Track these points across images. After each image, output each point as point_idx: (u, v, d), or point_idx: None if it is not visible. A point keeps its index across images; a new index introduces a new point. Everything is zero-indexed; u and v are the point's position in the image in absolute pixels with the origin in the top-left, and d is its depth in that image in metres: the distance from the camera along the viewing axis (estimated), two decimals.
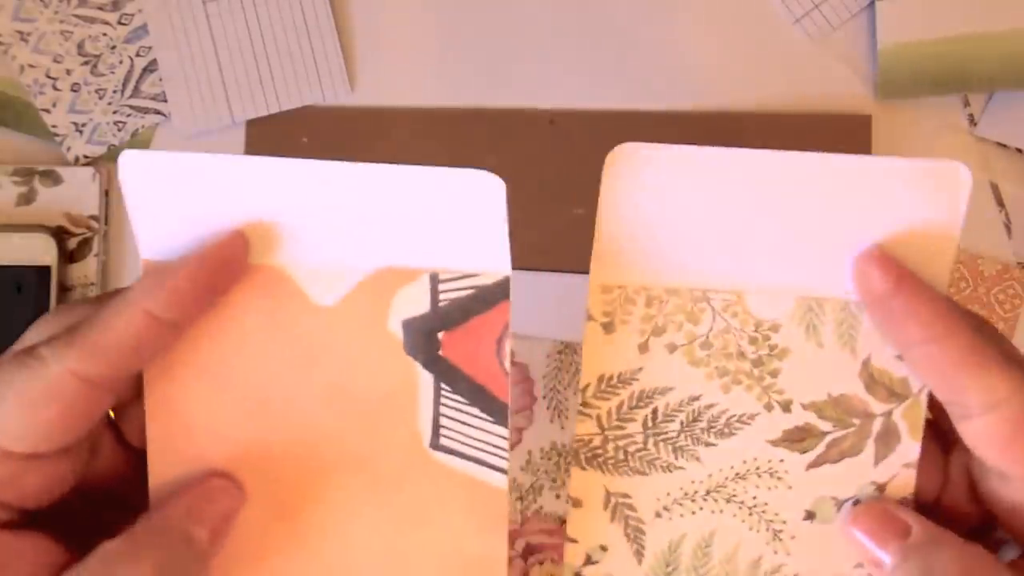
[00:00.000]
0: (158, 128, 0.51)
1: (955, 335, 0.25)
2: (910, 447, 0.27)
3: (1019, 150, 0.51)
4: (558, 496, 0.49)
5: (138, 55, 0.51)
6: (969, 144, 0.52)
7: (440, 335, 0.26)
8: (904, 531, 0.26)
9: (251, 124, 0.51)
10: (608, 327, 0.27)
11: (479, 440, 0.27)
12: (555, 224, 0.50)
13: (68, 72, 0.51)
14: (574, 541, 0.28)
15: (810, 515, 0.28)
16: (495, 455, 0.26)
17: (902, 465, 0.27)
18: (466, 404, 0.26)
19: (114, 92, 0.51)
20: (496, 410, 0.26)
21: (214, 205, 0.25)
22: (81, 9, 0.51)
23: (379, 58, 0.52)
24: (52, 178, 0.49)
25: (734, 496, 0.28)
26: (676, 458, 0.28)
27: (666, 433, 0.28)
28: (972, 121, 0.52)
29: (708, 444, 0.28)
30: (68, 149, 0.50)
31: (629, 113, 0.51)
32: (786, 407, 0.28)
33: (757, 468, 0.28)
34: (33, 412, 0.22)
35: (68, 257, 0.49)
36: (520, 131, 0.51)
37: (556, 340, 0.50)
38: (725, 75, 0.52)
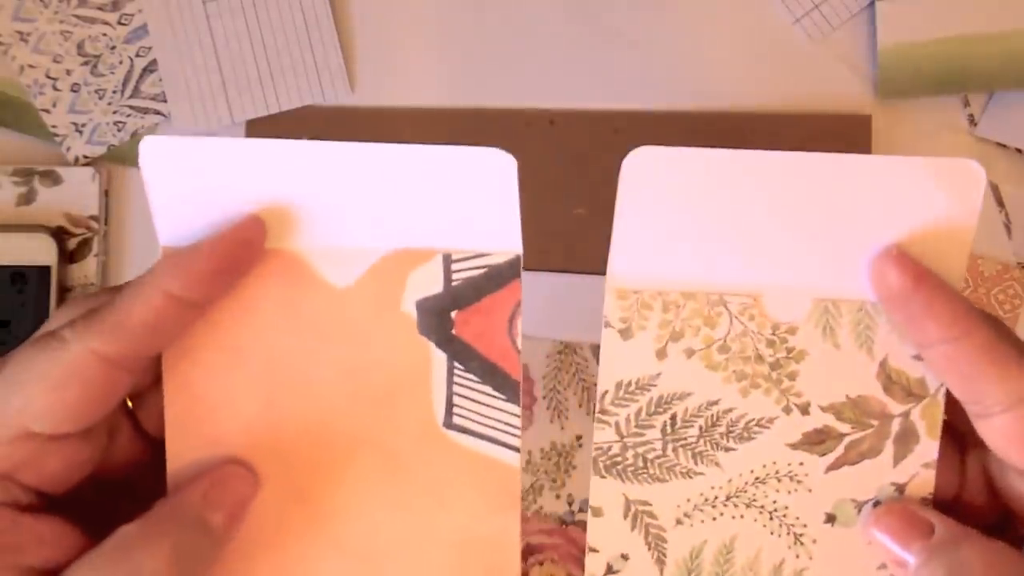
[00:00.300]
0: (158, 128, 0.51)
1: (973, 334, 0.25)
2: (929, 447, 0.27)
3: (1019, 150, 0.51)
4: (558, 496, 0.49)
5: (138, 55, 0.51)
6: (969, 144, 0.52)
7: (453, 314, 0.26)
8: (927, 530, 0.26)
9: (251, 124, 0.51)
10: (625, 333, 0.27)
11: (492, 418, 0.27)
12: (555, 224, 0.50)
13: (68, 72, 0.51)
14: (595, 551, 0.28)
15: (831, 518, 0.28)
16: (508, 433, 0.27)
17: (921, 465, 0.28)
18: (479, 383, 0.27)
19: (114, 92, 0.51)
20: (508, 388, 0.27)
21: (232, 189, 0.25)
22: (81, 9, 0.51)
23: (379, 58, 0.52)
24: (52, 178, 0.49)
25: (754, 501, 0.28)
26: (696, 464, 0.28)
27: (685, 439, 0.28)
28: (972, 121, 0.52)
29: (727, 449, 0.28)
30: (68, 149, 0.50)
31: (629, 113, 0.51)
32: (804, 410, 0.28)
33: (777, 472, 0.28)
34: (55, 392, 0.23)
35: (68, 257, 0.49)
36: (520, 131, 0.51)
37: (556, 340, 0.50)
38: (725, 75, 0.52)
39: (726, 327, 0.28)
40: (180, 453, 0.26)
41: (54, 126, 0.50)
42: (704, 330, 0.28)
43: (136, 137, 0.51)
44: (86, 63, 0.51)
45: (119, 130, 0.51)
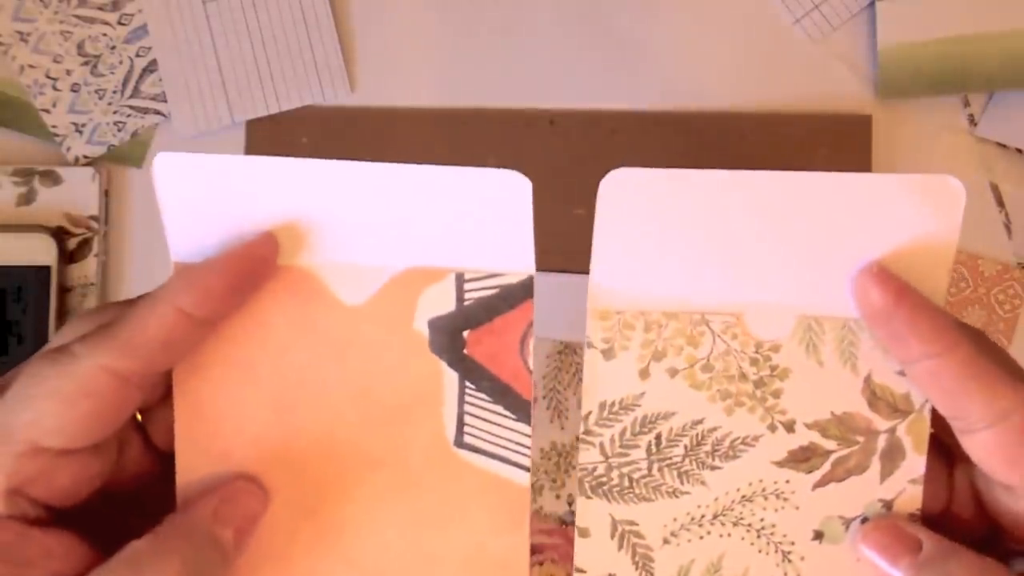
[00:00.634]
0: (158, 128, 0.51)
1: (956, 350, 0.25)
2: (915, 462, 0.27)
3: (1019, 150, 0.51)
4: (558, 496, 0.49)
5: (138, 55, 0.51)
6: (969, 144, 0.52)
7: (465, 334, 0.27)
8: (915, 546, 0.26)
9: (251, 124, 0.51)
10: (608, 353, 0.27)
11: (503, 438, 0.27)
12: (556, 224, 0.50)
13: (68, 72, 0.51)
14: (582, 572, 0.28)
15: (818, 535, 0.28)
16: (518, 452, 0.27)
17: (908, 481, 0.28)
18: (490, 402, 0.27)
19: (114, 92, 0.51)
20: (519, 408, 0.27)
21: (245, 206, 0.25)
22: (81, 9, 0.51)
23: (379, 58, 0.52)
24: (52, 178, 0.49)
25: (741, 519, 0.28)
26: (682, 483, 0.28)
27: (670, 458, 0.28)
28: (972, 121, 0.52)
29: (713, 468, 0.28)
30: (68, 149, 0.50)
31: (629, 113, 0.51)
32: (789, 427, 0.28)
33: (763, 490, 0.28)
34: (66, 408, 0.23)
35: (68, 257, 0.49)
36: (520, 131, 0.51)
37: (556, 340, 0.50)
38: (725, 75, 0.52)
39: (709, 346, 0.28)
40: (190, 468, 0.26)
41: (54, 126, 0.50)
42: (687, 349, 0.28)
43: (136, 137, 0.51)
44: (86, 63, 0.51)
45: (119, 130, 0.51)
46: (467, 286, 0.27)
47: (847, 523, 0.28)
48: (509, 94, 0.51)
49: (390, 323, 0.26)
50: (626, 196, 0.28)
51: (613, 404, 0.28)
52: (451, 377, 0.27)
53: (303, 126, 0.51)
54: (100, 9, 0.51)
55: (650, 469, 0.28)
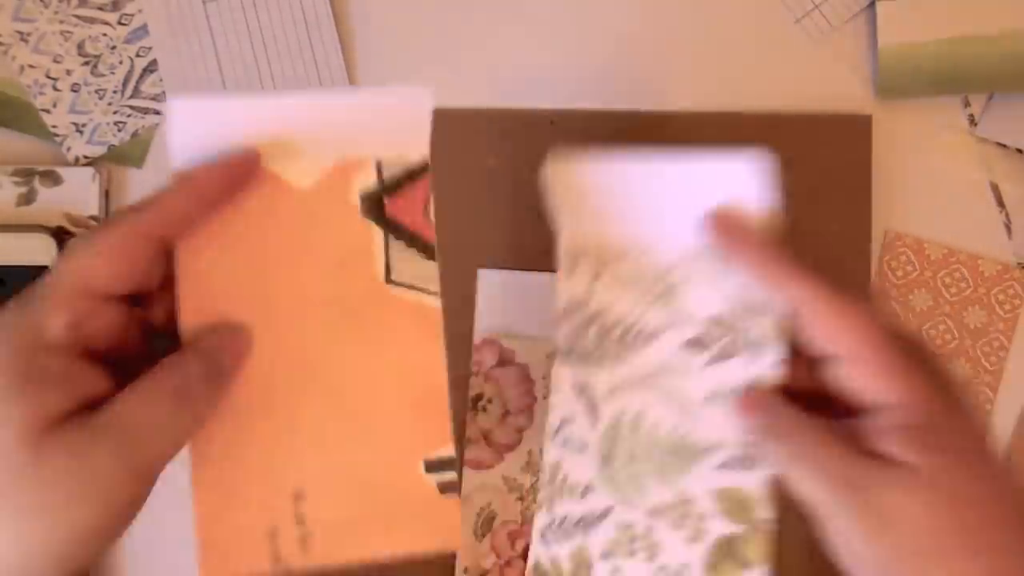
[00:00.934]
0: (158, 128, 0.51)
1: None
2: (777, 350, 0.37)
3: (1019, 150, 0.51)
4: None
5: (138, 55, 0.51)
6: (969, 144, 0.52)
7: (385, 200, 0.36)
8: (766, 403, 0.36)
9: None
10: (570, 271, 0.39)
11: (419, 274, 0.36)
12: None
13: (68, 72, 0.51)
14: (554, 409, 0.39)
15: (708, 398, 0.38)
16: (429, 282, 0.36)
17: (771, 364, 0.37)
18: (405, 247, 0.36)
19: (114, 92, 0.51)
20: (428, 250, 0.36)
21: (237, 135, 0.34)
22: (81, 9, 0.51)
23: (379, 58, 0.52)
24: (52, 178, 0.49)
25: (656, 386, 0.38)
26: (617, 357, 0.39)
27: (610, 340, 0.39)
28: (972, 121, 0.52)
29: (637, 349, 0.38)
30: (68, 149, 0.50)
31: (629, 113, 0.51)
32: (687, 322, 0.38)
33: (670, 366, 0.38)
34: (112, 260, 0.30)
35: None
36: (520, 131, 0.51)
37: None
38: (725, 75, 0.52)
39: (633, 264, 0.39)
40: (190, 321, 0.33)
41: (54, 126, 0.50)
42: (619, 265, 0.39)
43: (136, 137, 0.51)
44: (86, 63, 0.51)
45: (119, 130, 0.51)
46: (384, 168, 0.36)
47: (728, 391, 0.38)
48: (509, 94, 0.52)
49: (331, 199, 0.35)
50: (571, 177, 0.39)
51: (574, 301, 0.39)
52: (378, 233, 0.35)
53: None
54: (100, 9, 0.51)
55: (598, 346, 0.39)
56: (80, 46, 0.51)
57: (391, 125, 0.35)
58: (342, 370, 0.35)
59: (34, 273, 0.47)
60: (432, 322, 0.35)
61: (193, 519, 0.33)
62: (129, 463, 0.28)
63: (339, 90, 0.36)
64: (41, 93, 0.50)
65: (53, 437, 0.28)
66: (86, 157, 0.50)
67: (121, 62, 0.51)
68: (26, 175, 0.49)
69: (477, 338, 0.49)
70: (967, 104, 0.52)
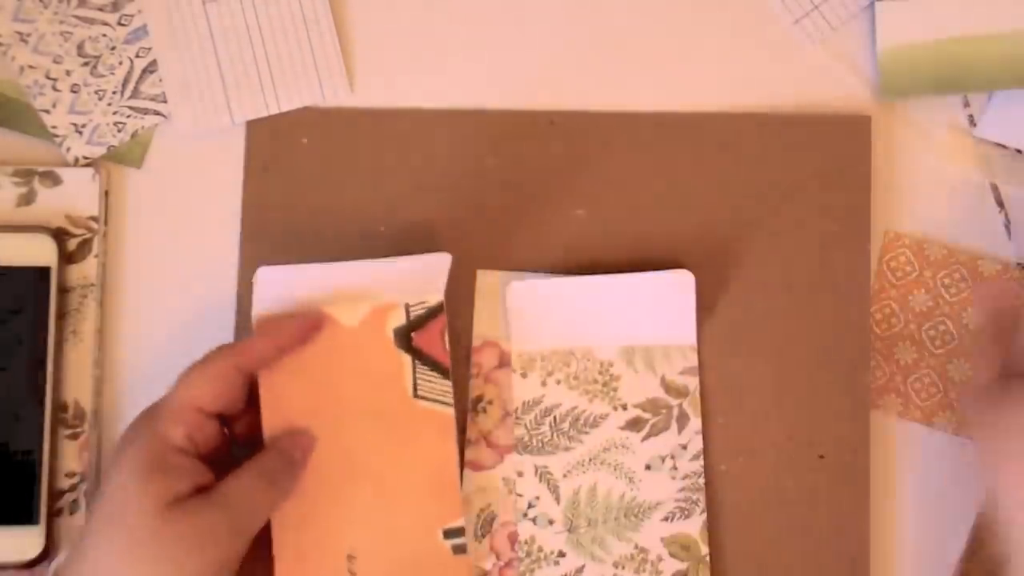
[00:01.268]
0: (158, 129, 0.51)
1: None
2: (696, 422, 0.48)
3: (1019, 150, 0.51)
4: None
5: (138, 56, 0.51)
6: (969, 144, 0.52)
7: (412, 335, 0.47)
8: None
9: (251, 125, 0.51)
10: (523, 375, 0.48)
11: (436, 389, 0.47)
12: (556, 225, 0.50)
13: (68, 73, 0.51)
14: (520, 495, 0.48)
15: (648, 467, 0.48)
16: (445, 396, 0.47)
17: (694, 432, 0.48)
18: (428, 370, 0.47)
19: (114, 93, 0.51)
20: (444, 371, 0.47)
21: (303, 292, 0.45)
22: (81, 10, 0.51)
23: (379, 58, 0.52)
24: (52, 179, 0.49)
25: (605, 461, 0.48)
26: (570, 443, 0.48)
27: (562, 429, 0.48)
28: (972, 121, 0.52)
29: (586, 433, 0.48)
30: (68, 150, 0.50)
31: (629, 114, 0.51)
32: (624, 407, 0.48)
33: (615, 444, 0.48)
34: (213, 386, 0.41)
35: (68, 258, 0.49)
36: (520, 132, 0.51)
37: None
38: (725, 75, 0.52)
39: (576, 366, 0.48)
40: (270, 427, 0.44)
41: (54, 127, 0.50)
42: (565, 368, 0.48)
43: (136, 137, 0.51)
44: (86, 64, 0.51)
45: (119, 131, 0.51)
46: (411, 310, 0.47)
47: (663, 459, 0.48)
48: (509, 94, 0.51)
49: (371, 334, 0.46)
50: (523, 294, 0.48)
51: (529, 402, 0.48)
52: (407, 359, 0.47)
53: (303, 126, 0.51)
54: (100, 10, 0.51)
55: (552, 436, 0.48)
56: (80, 47, 0.51)
57: (417, 279, 0.46)
58: (380, 462, 0.45)
59: (34, 273, 0.48)
60: (448, 426, 0.46)
61: (275, 570, 0.43)
62: (233, 529, 0.39)
63: (380, 260, 0.45)
64: (41, 94, 0.50)
65: (179, 509, 0.38)
66: (86, 158, 0.50)
67: (121, 63, 0.51)
68: (26, 175, 0.49)
69: (477, 340, 0.49)
70: (967, 104, 0.52)
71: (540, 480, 0.48)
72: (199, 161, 0.51)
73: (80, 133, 0.50)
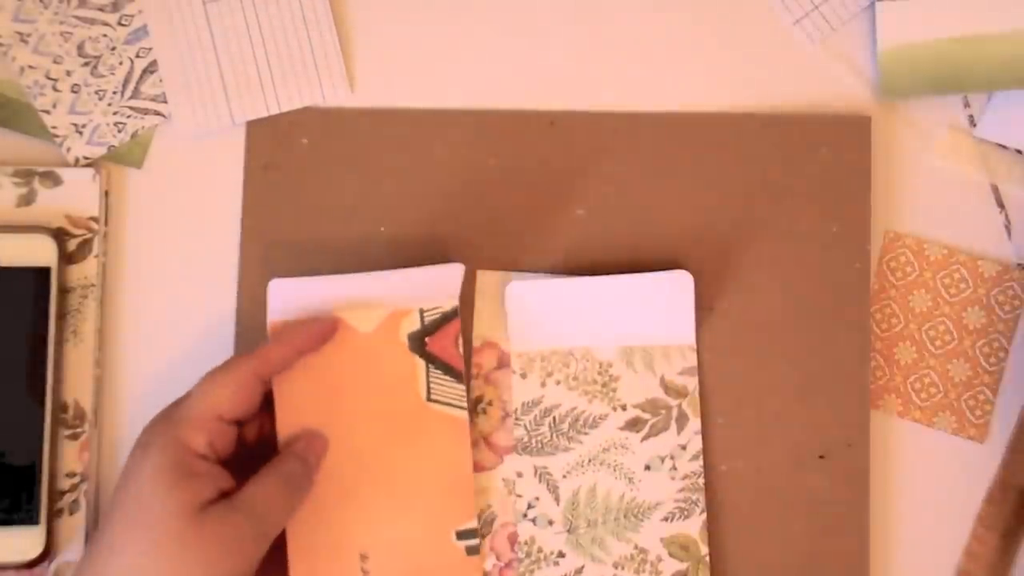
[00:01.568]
0: (158, 129, 0.51)
1: None
2: (695, 423, 0.48)
3: (1019, 151, 0.51)
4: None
5: (138, 56, 0.51)
6: (969, 144, 0.52)
7: (426, 339, 0.47)
8: None
9: (251, 125, 0.51)
10: (523, 375, 0.48)
11: (450, 393, 0.47)
12: (555, 225, 0.50)
13: (68, 73, 0.51)
14: (520, 496, 0.48)
15: (647, 467, 0.48)
16: (459, 400, 0.47)
17: (693, 432, 0.48)
18: (442, 374, 0.47)
19: (114, 93, 0.51)
20: (457, 375, 0.47)
21: (316, 307, 0.46)
22: (81, 10, 0.51)
23: (379, 58, 0.52)
24: (52, 179, 0.49)
25: (604, 462, 0.48)
26: (569, 443, 0.48)
27: (562, 430, 0.48)
28: (972, 121, 0.52)
29: (585, 434, 0.48)
30: (68, 150, 0.50)
31: (629, 114, 0.51)
32: (623, 408, 0.48)
33: (614, 444, 0.48)
34: (232, 393, 0.42)
35: (68, 258, 0.49)
36: (520, 132, 0.51)
37: None
38: (725, 76, 0.52)
39: (575, 366, 0.48)
40: (285, 431, 0.45)
41: (54, 127, 0.50)
42: (564, 369, 0.48)
43: (136, 138, 0.51)
44: (86, 64, 0.51)
45: (119, 131, 0.51)
46: (425, 315, 0.47)
47: (662, 459, 0.48)
48: (509, 94, 0.52)
49: (386, 339, 0.47)
50: (523, 294, 0.48)
51: (528, 402, 0.48)
52: (421, 363, 0.47)
53: (303, 126, 0.51)
54: (100, 10, 0.51)
55: (552, 437, 0.48)
56: (80, 47, 0.51)
57: (430, 289, 0.47)
58: (394, 464, 0.46)
59: (34, 274, 0.48)
60: (461, 429, 0.47)
61: (289, 570, 0.44)
62: (255, 532, 0.40)
63: (393, 271, 0.46)
64: (41, 94, 0.50)
65: (204, 514, 0.39)
66: (86, 158, 0.50)
67: (121, 63, 0.51)
68: (26, 176, 0.49)
69: (477, 340, 0.49)
70: (967, 104, 0.52)
71: (540, 481, 0.48)
72: (199, 161, 0.51)
73: (80, 133, 0.50)
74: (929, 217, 0.51)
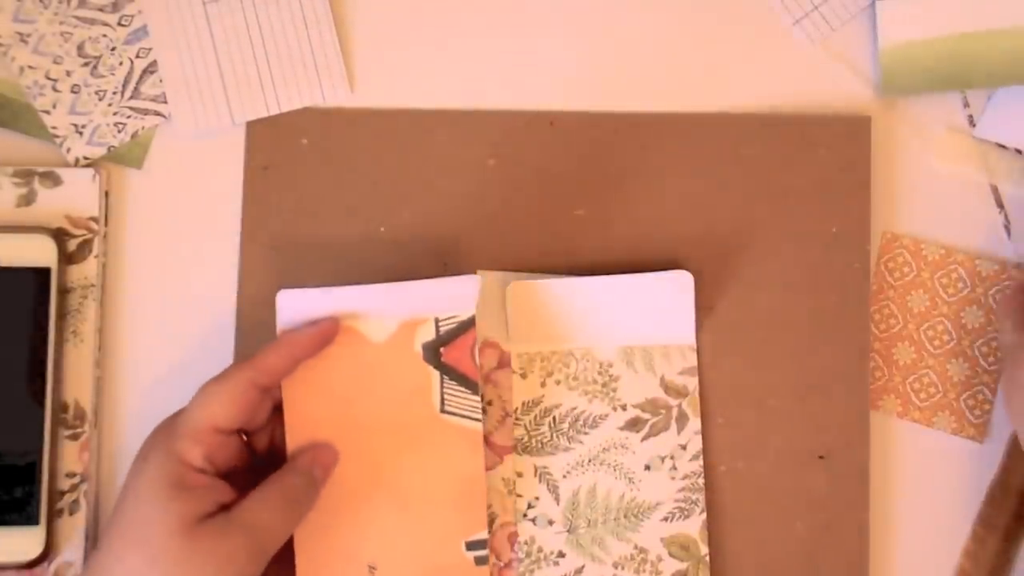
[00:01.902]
0: (158, 129, 0.51)
1: None
2: (695, 423, 0.48)
3: (1019, 151, 0.51)
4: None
5: (138, 56, 0.51)
6: (969, 144, 0.52)
7: (441, 349, 0.46)
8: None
9: (251, 125, 0.51)
10: (523, 375, 0.48)
11: (465, 404, 0.46)
12: (555, 226, 0.50)
13: (68, 73, 0.51)
14: (520, 495, 0.48)
15: (647, 467, 0.48)
16: (474, 411, 0.46)
17: (693, 432, 0.48)
18: (457, 385, 0.46)
19: (114, 93, 0.51)
20: (473, 386, 0.46)
21: (323, 310, 0.45)
22: (81, 10, 0.51)
23: (379, 58, 0.52)
24: (52, 179, 0.49)
25: (604, 462, 0.48)
26: (569, 443, 0.48)
27: (562, 429, 0.48)
28: (972, 121, 0.52)
29: (585, 433, 0.48)
30: (68, 150, 0.50)
31: (629, 114, 0.51)
32: (624, 408, 0.48)
33: (614, 444, 0.48)
34: (230, 404, 0.41)
35: (68, 258, 0.49)
36: (520, 133, 0.51)
37: None
38: (725, 76, 0.52)
39: (575, 366, 0.48)
40: (294, 441, 0.44)
41: (54, 127, 0.50)
42: (564, 369, 0.48)
43: (136, 138, 0.51)
44: (86, 64, 0.51)
45: (119, 131, 0.51)
46: (440, 324, 0.45)
47: (662, 459, 0.48)
48: (509, 95, 0.52)
49: (400, 349, 0.45)
50: (524, 293, 0.48)
51: (528, 402, 0.48)
52: (435, 374, 0.45)
53: (303, 127, 0.51)
54: (100, 10, 0.51)
55: (552, 437, 0.48)
56: (80, 47, 0.51)
57: (447, 299, 0.45)
58: (405, 475, 0.45)
59: (34, 274, 0.48)
60: (475, 440, 0.46)
61: None
62: (252, 547, 0.39)
63: (407, 283, 0.45)
64: (41, 94, 0.50)
65: (201, 528, 0.38)
66: (86, 158, 0.50)
67: (121, 63, 0.51)
68: (26, 176, 0.49)
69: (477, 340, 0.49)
70: (967, 104, 0.52)
71: (540, 480, 0.48)
72: (199, 161, 0.51)
73: (80, 133, 0.50)
74: (927, 217, 0.51)
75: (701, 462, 0.48)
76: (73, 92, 0.51)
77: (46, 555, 0.47)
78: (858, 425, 0.49)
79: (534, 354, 0.48)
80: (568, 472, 0.48)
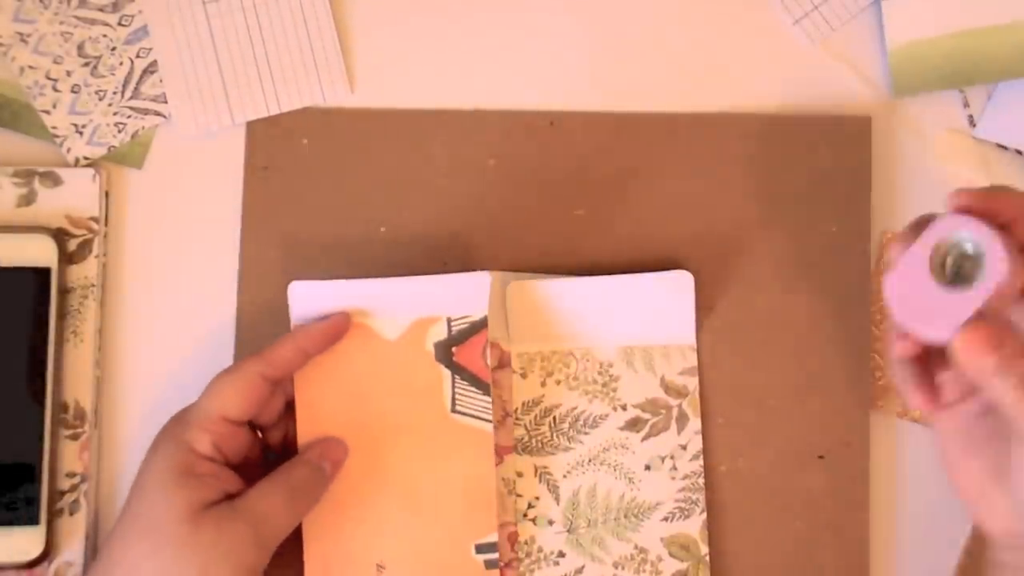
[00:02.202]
0: (158, 129, 0.51)
1: None
2: (696, 422, 0.48)
3: (1019, 151, 0.51)
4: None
5: (138, 56, 0.51)
6: (969, 145, 0.52)
7: (453, 349, 0.46)
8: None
9: (251, 125, 0.51)
10: (523, 375, 0.48)
11: (476, 405, 0.46)
12: (555, 226, 0.50)
13: (68, 73, 0.51)
14: (520, 495, 0.48)
15: (647, 467, 0.48)
16: (485, 412, 0.46)
17: (694, 432, 0.48)
18: (468, 385, 0.46)
19: (114, 93, 0.51)
20: (484, 387, 0.46)
21: (339, 306, 0.45)
22: (81, 10, 0.51)
23: (379, 58, 0.52)
24: (52, 179, 0.49)
25: (604, 462, 0.48)
26: (570, 443, 0.48)
27: (562, 429, 0.48)
28: (972, 122, 0.52)
29: (585, 433, 0.48)
30: (68, 150, 0.50)
31: (629, 114, 0.51)
32: (624, 408, 0.48)
33: (614, 444, 0.48)
34: (239, 395, 0.41)
35: (68, 258, 0.49)
36: (520, 133, 0.51)
37: None
38: (725, 76, 0.52)
39: (575, 366, 0.48)
40: (305, 434, 0.45)
41: (54, 127, 0.50)
42: (564, 369, 0.48)
43: (136, 138, 0.51)
44: (86, 64, 0.51)
45: (119, 131, 0.51)
46: (452, 324, 0.46)
47: (662, 459, 0.48)
48: (509, 95, 0.52)
49: (412, 347, 0.46)
50: (526, 294, 0.48)
51: (528, 402, 0.48)
52: (447, 374, 0.46)
53: (303, 127, 0.51)
54: (100, 10, 0.51)
55: (552, 436, 0.48)
56: (80, 47, 0.51)
57: (458, 294, 0.45)
58: (415, 474, 0.45)
59: (34, 274, 0.48)
60: (486, 441, 0.46)
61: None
62: (256, 538, 0.40)
63: (419, 277, 0.45)
64: (41, 94, 0.50)
65: (206, 516, 0.39)
66: (86, 158, 0.50)
67: (121, 63, 0.51)
68: (26, 176, 0.49)
69: None
70: (967, 104, 0.52)
71: (540, 480, 0.48)
72: (199, 161, 0.51)
73: (80, 134, 0.50)
74: None
75: (701, 462, 0.48)
76: (73, 92, 0.51)
77: (46, 555, 0.47)
78: (858, 425, 0.49)
79: (534, 354, 0.48)
80: (568, 472, 0.48)
